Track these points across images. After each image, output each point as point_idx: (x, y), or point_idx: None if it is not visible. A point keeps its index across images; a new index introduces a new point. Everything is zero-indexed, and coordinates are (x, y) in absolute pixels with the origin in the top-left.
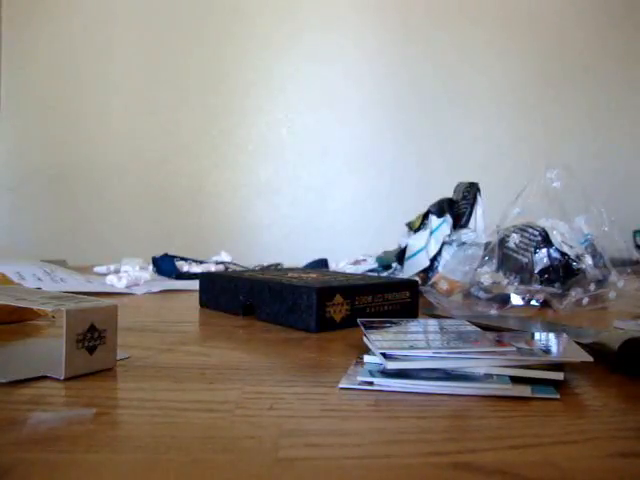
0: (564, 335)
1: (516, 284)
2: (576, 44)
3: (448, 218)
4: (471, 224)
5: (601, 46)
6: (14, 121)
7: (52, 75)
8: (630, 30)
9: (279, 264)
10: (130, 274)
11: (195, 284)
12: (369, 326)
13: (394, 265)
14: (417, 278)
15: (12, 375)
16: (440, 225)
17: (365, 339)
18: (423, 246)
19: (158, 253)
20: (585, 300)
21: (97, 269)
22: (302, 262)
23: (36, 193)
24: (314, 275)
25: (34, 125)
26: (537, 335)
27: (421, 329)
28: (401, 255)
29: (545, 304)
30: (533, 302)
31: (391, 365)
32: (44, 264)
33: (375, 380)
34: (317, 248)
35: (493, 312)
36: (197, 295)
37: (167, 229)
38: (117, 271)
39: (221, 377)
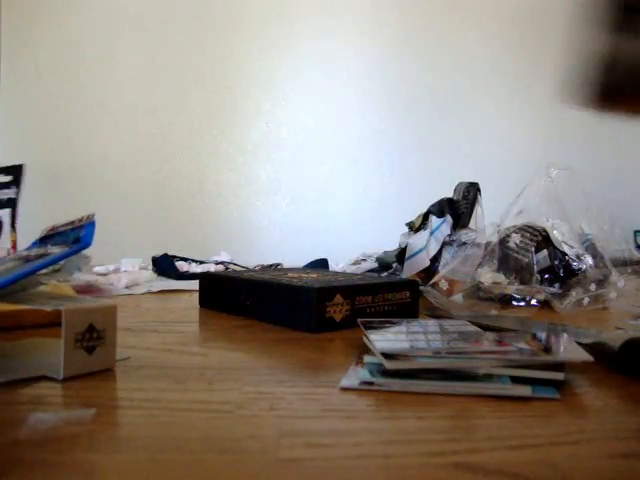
0: (564, 335)
1: (516, 284)
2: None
3: (448, 218)
4: (471, 224)
5: None
6: (13, 120)
7: (52, 74)
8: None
9: (279, 264)
10: (130, 274)
11: (195, 284)
12: (369, 326)
13: (394, 265)
14: (417, 278)
15: (11, 375)
16: (440, 225)
17: (365, 339)
18: (423, 246)
19: (158, 253)
20: (585, 300)
21: (97, 269)
22: (302, 262)
23: (36, 193)
24: (314, 275)
25: (33, 125)
26: (537, 335)
27: (421, 329)
28: (401, 255)
29: (545, 304)
30: (533, 302)
31: (391, 365)
32: None
33: (375, 380)
34: (317, 248)
35: (493, 312)
36: (197, 295)
37: (167, 229)
38: (117, 271)
39: (221, 377)
